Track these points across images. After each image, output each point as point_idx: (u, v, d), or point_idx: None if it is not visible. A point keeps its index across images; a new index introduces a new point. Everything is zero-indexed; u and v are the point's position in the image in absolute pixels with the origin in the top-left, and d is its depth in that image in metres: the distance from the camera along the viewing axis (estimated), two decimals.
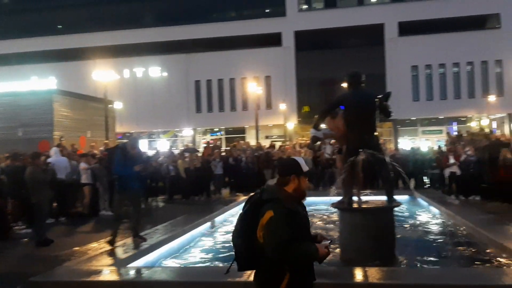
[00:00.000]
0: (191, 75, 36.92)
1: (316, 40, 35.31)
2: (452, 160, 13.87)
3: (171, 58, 36.75)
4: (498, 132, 29.42)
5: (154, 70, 35.84)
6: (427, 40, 33.65)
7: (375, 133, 7.32)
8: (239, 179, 16.76)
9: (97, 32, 36.69)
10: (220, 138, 37.85)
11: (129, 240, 8.08)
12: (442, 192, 14.21)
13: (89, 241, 8.59)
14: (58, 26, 39.23)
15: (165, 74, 36.21)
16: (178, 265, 7.38)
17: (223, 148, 27.16)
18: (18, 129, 19.10)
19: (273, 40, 35.79)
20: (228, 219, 11.46)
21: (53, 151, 12.80)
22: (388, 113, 7.26)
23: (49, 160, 11.84)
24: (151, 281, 5.88)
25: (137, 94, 35.79)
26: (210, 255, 7.93)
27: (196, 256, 7.94)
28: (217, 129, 38.83)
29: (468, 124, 35.02)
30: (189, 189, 15.28)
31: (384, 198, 7.31)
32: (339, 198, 7.51)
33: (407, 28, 33.79)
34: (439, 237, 8.87)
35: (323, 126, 8.11)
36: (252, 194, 3.07)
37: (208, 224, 10.40)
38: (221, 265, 7.19)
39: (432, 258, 7.24)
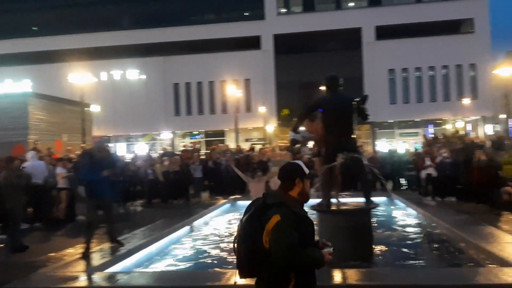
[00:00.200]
0: (169, 77, 36.70)
1: (295, 43, 35.56)
2: (428, 162, 14.09)
3: (150, 61, 36.49)
4: (472, 134, 30.11)
5: (132, 73, 35.53)
6: (404, 44, 34.27)
7: (353, 136, 7.40)
8: (218, 183, 16.70)
9: (74, 34, 36.21)
10: (200, 141, 37.70)
11: (106, 245, 7.96)
12: (418, 194, 14.41)
13: (65, 247, 8.42)
14: (33, 28, 38.54)
15: (143, 76, 35.94)
16: (157, 270, 7.30)
17: (203, 151, 27.05)
18: None
19: (252, 43, 35.89)
20: (208, 223, 11.42)
21: (30, 155, 12.51)
22: (365, 116, 7.35)
23: (25, 164, 11.57)
24: (128, 286, 5.80)
25: (115, 97, 35.40)
26: (189, 260, 7.87)
27: (175, 261, 7.87)
28: (196, 132, 38.68)
29: (443, 126, 35.74)
30: (168, 193, 15.15)
31: (362, 200, 7.40)
32: (318, 200, 7.56)
33: (384, 32, 34.34)
34: (416, 237, 8.99)
35: (302, 128, 8.16)
36: (253, 200, 3.00)
37: (187, 228, 10.33)
38: (200, 269, 7.16)
39: (409, 259, 7.34)
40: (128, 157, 20.33)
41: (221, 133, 36.89)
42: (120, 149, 34.70)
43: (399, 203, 13.11)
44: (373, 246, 7.36)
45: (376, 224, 9.19)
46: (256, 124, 35.82)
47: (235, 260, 2.93)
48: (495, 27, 35.44)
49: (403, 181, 16.89)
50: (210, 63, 35.56)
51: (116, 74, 35.86)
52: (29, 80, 33.90)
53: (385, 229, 9.68)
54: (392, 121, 36.05)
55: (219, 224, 11.33)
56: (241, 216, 2.97)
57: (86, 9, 37.40)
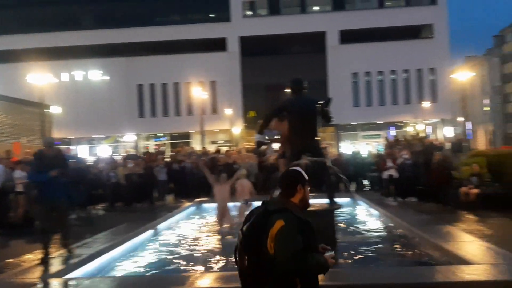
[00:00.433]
0: (133, 79, 36.09)
1: (261, 46, 35.72)
2: (390, 164, 14.42)
3: (113, 62, 35.78)
4: (432, 137, 31.03)
5: (94, 74, 34.68)
6: (367, 48, 35.02)
7: (317, 138, 7.49)
8: (183, 185, 16.53)
9: (34, 34, 35.06)
10: (165, 144, 37.24)
11: (66, 251, 7.73)
12: (381, 194, 14.71)
13: (24, 253, 8.11)
14: None
15: (106, 77, 35.15)
16: (119, 275, 7.15)
17: (168, 153, 26.73)
18: None
19: (218, 45, 35.79)
20: (172, 226, 11.28)
21: None
22: (328, 118, 7.47)
23: None
24: None
25: (76, 98, 34.52)
26: (153, 264, 7.74)
27: (138, 265, 7.71)
28: (161, 134, 38.20)
29: (404, 129, 36.74)
30: (131, 196, 14.86)
31: (326, 201, 7.49)
32: None
33: (348, 37, 34.99)
34: (378, 237, 9.19)
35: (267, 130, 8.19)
36: (254, 207, 2.97)
37: (151, 231, 10.16)
38: (164, 274, 7.06)
39: (371, 258, 7.48)
40: (90, 159, 19.83)
41: (187, 135, 36.57)
42: (82, 152, 33.84)
43: (362, 203, 13.37)
44: (336, 246, 7.45)
45: (339, 225, 9.33)
46: (222, 126, 35.72)
47: (237, 271, 2.87)
48: (454, 33, 36.75)
49: (366, 182, 17.23)
50: (175, 64, 35.22)
51: (78, 74, 34.98)
52: None
53: (348, 230, 9.84)
54: (355, 123, 36.77)
55: (184, 228, 11.21)
56: (241, 225, 2.92)
57: (47, 7, 36.28)
